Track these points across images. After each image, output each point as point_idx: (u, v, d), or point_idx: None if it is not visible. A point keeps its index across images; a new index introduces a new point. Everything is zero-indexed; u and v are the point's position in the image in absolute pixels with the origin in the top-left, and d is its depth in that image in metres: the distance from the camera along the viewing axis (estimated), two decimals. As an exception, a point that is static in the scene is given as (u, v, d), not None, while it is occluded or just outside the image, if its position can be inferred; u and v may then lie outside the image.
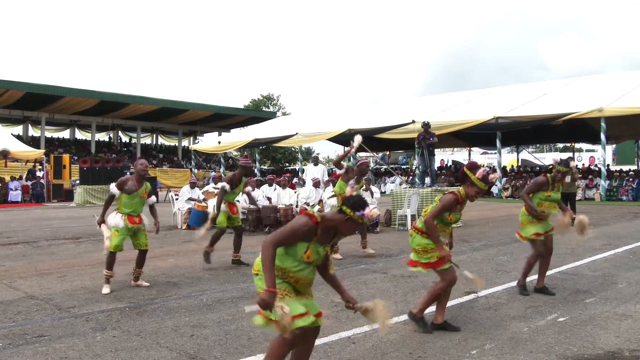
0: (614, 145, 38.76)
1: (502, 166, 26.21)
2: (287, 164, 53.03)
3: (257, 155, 37.05)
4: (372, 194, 11.82)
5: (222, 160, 37.33)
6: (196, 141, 48.41)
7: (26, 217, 16.04)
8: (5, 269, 7.32)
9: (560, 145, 46.65)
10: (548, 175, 5.68)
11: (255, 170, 34.51)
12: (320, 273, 3.19)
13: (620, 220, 13.30)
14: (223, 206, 7.40)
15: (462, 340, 4.13)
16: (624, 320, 4.59)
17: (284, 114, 54.05)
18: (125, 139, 48.57)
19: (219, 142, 34.99)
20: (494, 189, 23.79)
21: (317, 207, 11.12)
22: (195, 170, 36.62)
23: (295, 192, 12.81)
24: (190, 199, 12.86)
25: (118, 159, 27.55)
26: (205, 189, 13.64)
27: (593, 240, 9.11)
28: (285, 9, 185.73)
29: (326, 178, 13.52)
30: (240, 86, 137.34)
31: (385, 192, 25.18)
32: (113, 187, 6.05)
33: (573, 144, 35.64)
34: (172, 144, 50.25)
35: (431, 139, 12.72)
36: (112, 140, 47.44)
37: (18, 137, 33.76)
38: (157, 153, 47.44)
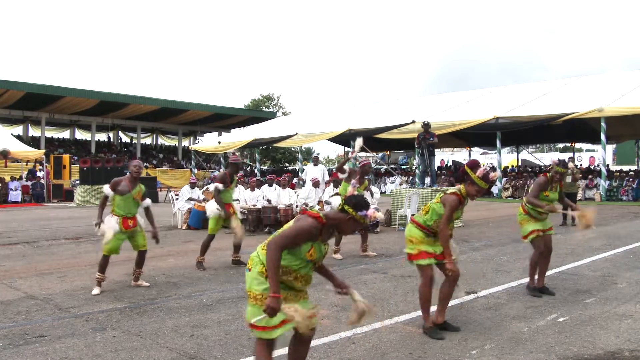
0: (614, 145, 38.76)
1: (502, 167, 26.20)
2: (287, 164, 53.00)
3: (257, 155, 37.06)
4: (372, 194, 11.80)
5: (222, 160, 37.31)
6: (196, 141, 48.43)
7: (26, 217, 16.04)
8: (5, 269, 7.32)
9: (560, 145, 46.62)
10: (547, 174, 5.68)
11: (256, 171, 34.53)
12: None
13: (620, 220, 13.29)
14: (217, 211, 7.36)
15: (462, 340, 4.13)
16: (624, 321, 4.59)
17: (284, 114, 54.04)
18: (125, 139, 48.56)
19: (219, 142, 34.98)
20: (494, 189, 23.78)
21: (316, 208, 11.12)
22: (195, 171, 36.61)
23: (295, 192, 12.81)
24: (190, 199, 12.86)
25: (118, 159, 27.52)
26: (205, 188, 13.64)
27: (593, 240, 9.12)
28: (285, 9, 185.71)
29: (326, 178, 13.53)
30: (240, 86, 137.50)
31: (385, 192, 25.18)
32: (106, 188, 6.02)
33: (573, 144, 35.62)
34: (172, 144, 50.25)
35: (431, 139, 12.72)
36: (112, 140, 47.44)
37: (18, 137, 33.77)
38: (157, 153, 47.46)
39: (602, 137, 20.54)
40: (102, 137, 47.13)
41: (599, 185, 21.47)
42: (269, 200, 12.27)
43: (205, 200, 12.12)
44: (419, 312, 4.70)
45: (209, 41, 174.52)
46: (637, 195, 20.70)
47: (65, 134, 45.43)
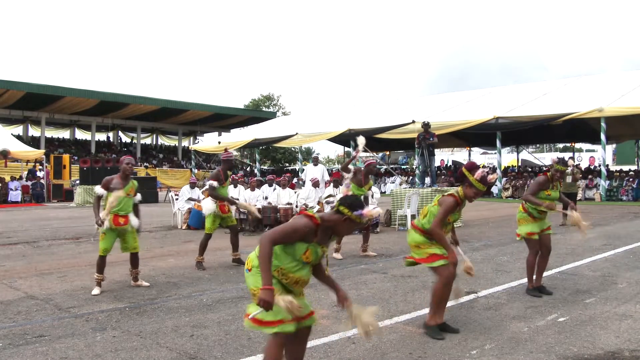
0: (614, 145, 38.78)
1: (502, 167, 26.20)
2: (287, 164, 53.01)
3: (257, 155, 37.08)
4: (372, 194, 11.82)
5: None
6: (196, 141, 48.44)
7: (26, 217, 16.04)
8: (5, 269, 7.32)
9: (560, 145, 46.65)
10: (548, 174, 5.67)
11: (256, 171, 34.54)
12: (314, 274, 3.15)
13: (620, 220, 13.29)
14: (213, 207, 7.36)
15: (462, 340, 4.13)
16: (624, 321, 4.59)
17: (284, 114, 54.05)
18: (125, 139, 48.56)
19: (219, 142, 34.98)
20: (494, 189, 23.79)
21: (316, 208, 11.12)
22: (195, 170, 36.63)
23: (295, 192, 12.81)
24: (190, 199, 12.86)
25: (118, 159, 27.51)
26: (204, 188, 13.64)
27: (593, 240, 9.12)
28: (285, 9, 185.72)
29: (326, 178, 13.53)
30: (240, 86, 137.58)
31: (385, 192, 25.19)
32: (98, 188, 5.96)
33: (573, 144, 35.66)
34: (172, 144, 50.25)
35: (431, 139, 12.71)
36: (112, 140, 47.44)
37: (18, 137, 33.77)
38: (157, 153, 47.46)
39: (602, 137, 20.55)
40: (102, 137, 47.14)
41: (599, 185, 21.48)
42: (266, 198, 12.28)
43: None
44: (419, 312, 4.71)
45: (209, 41, 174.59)
46: (637, 195, 20.71)
47: (65, 134, 45.45)
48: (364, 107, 35.65)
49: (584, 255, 7.82)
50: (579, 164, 32.69)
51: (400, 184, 24.20)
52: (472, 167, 4.38)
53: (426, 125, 13.08)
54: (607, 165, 24.27)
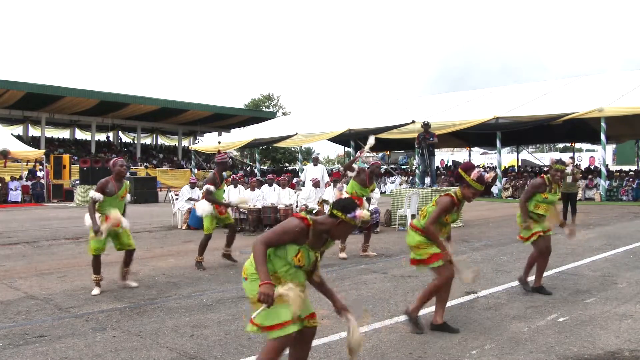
0: (614, 145, 38.80)
1: (502, 167, 26.20)
2: (287, 164, 53.02)
3: (257, 155, 37.08)
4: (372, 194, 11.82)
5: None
6: (196, 141, 48.44)
7: (26, 217, 16.04)
8: (5, 269, 7.32)
9: (560, 145, 46.65)
10: (545, 176, 5.67)
11: (256, 171, 34.54)
12: (311, 282, 3.16)
13: (620, 220, 13.29)
14: (210, 208, 7.36)
15: (462, 340, 4.13)
16: (624, 321, 4.59)
17: (284, 114, 54.06)
18: (125, 139, 48.57)
19: (219, 142, 34.99)
20: (494, 189, 23.78)
21: (316, 208, 11.12)
22: (195, 171, 36.63)
23: (295, 192, 12.81)
24: (190, 199, 12.86)
25: (118, 159, 27.49)
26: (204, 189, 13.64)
27: (593, 240, 9.12)
28: (285, 9, 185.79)
29: (326, 178, 13.53)
30: (240, 86, 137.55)
31: (385, 192, 25.17)
32: (95, 193, 5.81)
33: (573, 144, 35.64)
34: (172, 144, 50.26)
35: (431, 139, 12.72)
36: (112, 140, 47.45)
37: (18, 137, 33.78)
38: (157, 153, 47.47)
39: (602, 137, 20.55)
40: (102, 137, 47.16)
41: (599, 185, 21.47)
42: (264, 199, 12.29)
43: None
44: (419, 312, 4.70)
45: (208, 41, 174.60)
46: (637, 195, 20.70)
47: (65, 134, 45.46)
48: (364, 107, 35.66)
49: (584, 255, 7.82)
50: (579, 164, 32.73)
51: (400, 184, 24.20)
52: (468, 167, 4.39)
53: (426, 125, 13.08)
54: (607, 165, 24.28)
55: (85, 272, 6.96)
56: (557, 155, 22.36)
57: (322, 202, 3.70)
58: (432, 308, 4.51)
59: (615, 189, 21.62)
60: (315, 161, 14.71)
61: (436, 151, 18.00)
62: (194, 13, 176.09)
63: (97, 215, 5.82)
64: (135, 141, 46.02)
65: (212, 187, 7.30)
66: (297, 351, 3.07)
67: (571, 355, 3.78)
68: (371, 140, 8.85)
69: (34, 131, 42.34)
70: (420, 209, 11.39)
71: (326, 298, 3.24)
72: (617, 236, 9.99)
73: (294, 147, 45.04)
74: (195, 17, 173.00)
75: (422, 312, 4.64)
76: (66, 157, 26.62)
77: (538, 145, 51.19)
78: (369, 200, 9.26)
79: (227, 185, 11.50)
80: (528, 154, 39.01)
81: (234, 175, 13.00)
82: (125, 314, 5.00)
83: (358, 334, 3.12)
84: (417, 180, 14.86)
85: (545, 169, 23.39)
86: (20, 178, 25.12)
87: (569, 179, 12.11)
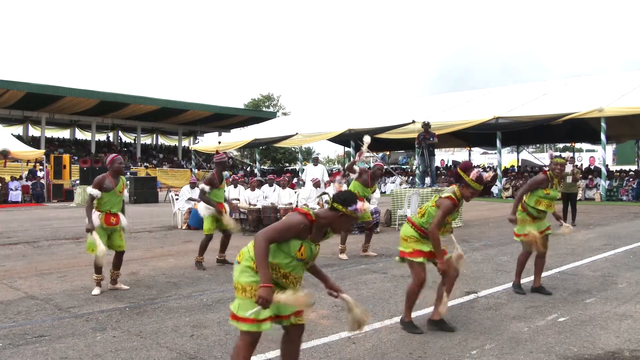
0: (614, 145, 38.77)
1: (502, 167, 26.19)
2: (287, 164, 53.01)
3: (257, 155, 37.07)
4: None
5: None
6: (196, 141, 48.45)
7: (26, 217, 16.04)
8: (5, 269, 7.32)
9: (560, 145, 46.61)
10: (547, 172, 5.66)
11: (256, 171, 34.54)
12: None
13: (620, 220, 13.29)
14: (212, 210, 7.34)
15: (462, 340, 4.13)
16: (624, 321, 4.59)
17: (284, 114, 54.05)
18: (125, 139, 48.57)
19: (219, 142, 34.99)
20: (494, 189, 23.78)
21: (317, 208, 11.12)
22: (195, 171, 36.62)
23: (295, 192, 12.81)
24: (190, 199, 12.85)
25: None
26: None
27: (593, 240, 9.12)
28: (285, 9, 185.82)
29: (326, 178, 13.53)
30: (240, 86, 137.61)
31: (385, 192, 25.16)
32: (92, 190, 5.78)
33: (573, 144, 35.62)
34: (172, 144, 50.26)
35: (431, 139, 12.72)
36: (112, 140, 47.45)
37: (18, 137, 33.78)
38: (157, 153, 47.47)
39: (602, 137, 20.54)
40: (102, 137, 47.16)
41: (599, 185, 21.47)
42: (265, 198, 12.28)
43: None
44: (419, 312, 4.71)
45: (208, 41, 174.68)
46: (637, 195, 20.70)
47: (65, 134, 45.47)
48: (364, 107, 35.65)
49: (584, 255, 7.82)
50: (579, 165, 32.72)
51: (400, 184, 24.20)
52: (467, 167, 4.40)
53: (426, 125, 13.08)
54: (607, 165, 24.28)
55: (85, 272, 6.96)
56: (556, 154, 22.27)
57: (322, 194, 3.68)
58: (432, 308, 4.51)
59: (615, 189, 21.61)
60: (316, 161, 14.72)
61: (436, 151, 18.02)
62: (194, 13, 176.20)
63: (97, 213, 5.81)
64: (135, 141, 46.02)
65: (207, 187, 7.27)
66: (286, 350, 3.08)
67: (571, 355, 3.78)
68: (367, 139, 8.84)
69: (34, 131, 42.35)
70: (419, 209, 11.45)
71: (320, 281, 3.20)
72: (617, 236, 9.99)
73: (294, 147, 45.02)
74: (195, 17, 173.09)
75: (420, 312, 4.65)
76: (66, 157, 26.62)
77: (538, 145, 51.12)
78: (369, 200, 9.27)
79: (228, 185, 11.50)
80: (528, 154, 38.98)
81: (234, 175, 13.02)
82: (125, 314, 5.00)
83: (359, 307, 3.09)
84: (417, 180, 14.86)
85: (546, 168, 23.38)
86: (21, 178, 25.12)
87: (569, 179, 12.10)
